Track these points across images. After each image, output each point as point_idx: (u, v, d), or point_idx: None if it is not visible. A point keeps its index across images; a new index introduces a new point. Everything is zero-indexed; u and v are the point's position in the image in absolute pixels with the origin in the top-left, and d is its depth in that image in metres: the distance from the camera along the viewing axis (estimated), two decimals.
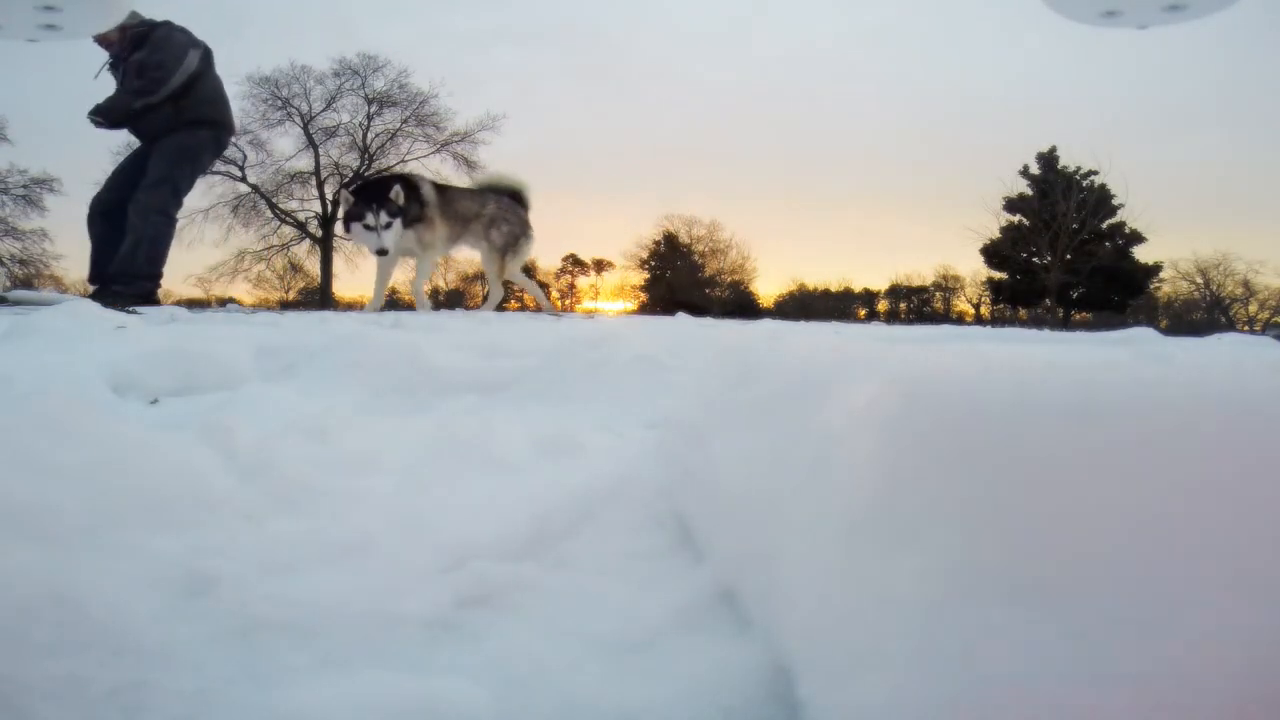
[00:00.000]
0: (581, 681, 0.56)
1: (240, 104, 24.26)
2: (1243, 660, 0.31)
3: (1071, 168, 27.73)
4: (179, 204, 5.07)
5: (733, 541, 0.67)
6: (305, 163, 25.39)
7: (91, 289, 4.81)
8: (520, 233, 6.08)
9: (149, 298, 4.80)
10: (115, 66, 4.92)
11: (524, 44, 49.80)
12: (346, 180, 6.26)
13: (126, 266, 4.79)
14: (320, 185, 25.00)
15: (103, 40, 4.81)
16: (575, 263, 37.85)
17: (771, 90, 51.84)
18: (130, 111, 4.83)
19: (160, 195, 4.87)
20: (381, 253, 5.40)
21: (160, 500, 0.78)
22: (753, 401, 0.72)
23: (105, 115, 4.81)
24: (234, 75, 23.88)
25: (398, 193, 5.50)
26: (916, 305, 36.83)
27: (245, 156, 24.43)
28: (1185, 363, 0.42)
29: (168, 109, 4.86)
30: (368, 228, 5.46)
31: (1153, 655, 0.32)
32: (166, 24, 4.97)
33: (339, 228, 6.22)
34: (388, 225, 5.50)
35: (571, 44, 50.86)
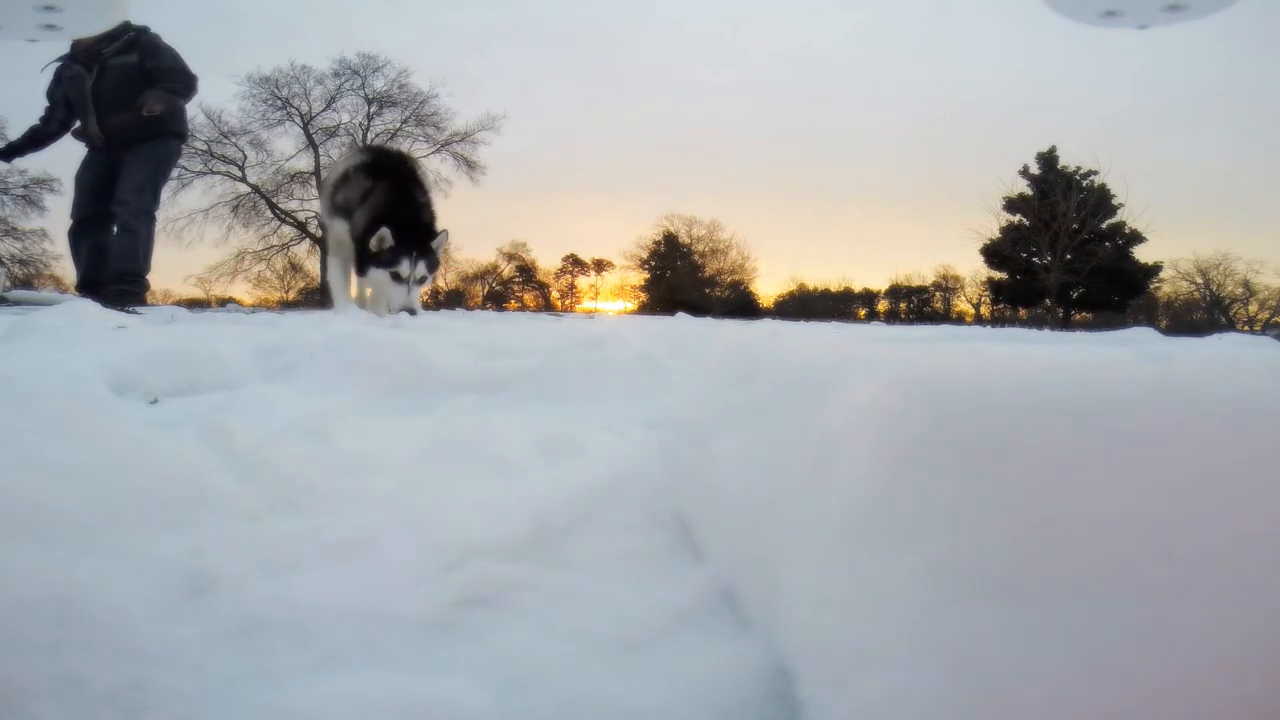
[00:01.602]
0: (581, 681, 0.56)
1: (240, 104, 24.33)
2: (1242, 660, 0.31)
3: (1071, 168, 27.76)
4: (158, 206, 5.19)
5: (733, 541, 0.67)
6: (305, 163, 25.42)
7: (83, 293, 4.83)
8: None
9: (143, 296, 4.87)
10: (83, 63, 4.94)
11: (524, 44, 49.85)
12: (357, 164, 4.59)
13: (130, 266, 4.86)
14: (320, 185, 24.98)
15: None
16: (575, 263, 37.89)
17: (771, 90, 51.89)
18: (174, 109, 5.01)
19: (147, 198, 4.98)
20: (408, 312, 4.14)
21: (160, 500, 0.78)
22: (753, 401, 0.72)
23: (166, 104, 4.92)
24: (233, 75, 23.91)
25: (443, 240, 4.48)
26: (916, 305, 36.84)
27: (245, 156, 24.50)
28: (1185, 363, 0.42)
29: (161, 118, 4.95)
30: (397, 279, 4.33)
31: (1152, 655, 0.32)
32: (148, 30, 5.07)
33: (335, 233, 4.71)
34: (421, 280, 4.40)
35: (571, 44, 50.91)
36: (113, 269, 4.86)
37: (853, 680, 0.41)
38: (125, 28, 4.94)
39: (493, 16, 48.66)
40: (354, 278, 4.63)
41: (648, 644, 0.62)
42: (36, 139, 5.23)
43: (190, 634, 0.59)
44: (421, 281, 4.40)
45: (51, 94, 5.13)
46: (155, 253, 5.10)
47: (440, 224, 4.58)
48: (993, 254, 29.03)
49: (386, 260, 4.30)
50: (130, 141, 4.96)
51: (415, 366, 1.79)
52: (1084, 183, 27.33)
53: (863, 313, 36.83)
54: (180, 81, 5.05)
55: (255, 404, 1.44)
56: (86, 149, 5.11)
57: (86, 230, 5.00)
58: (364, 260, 4.38)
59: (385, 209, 4.39)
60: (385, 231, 4.29)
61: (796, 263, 60.51)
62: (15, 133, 5.76)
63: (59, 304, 3.22)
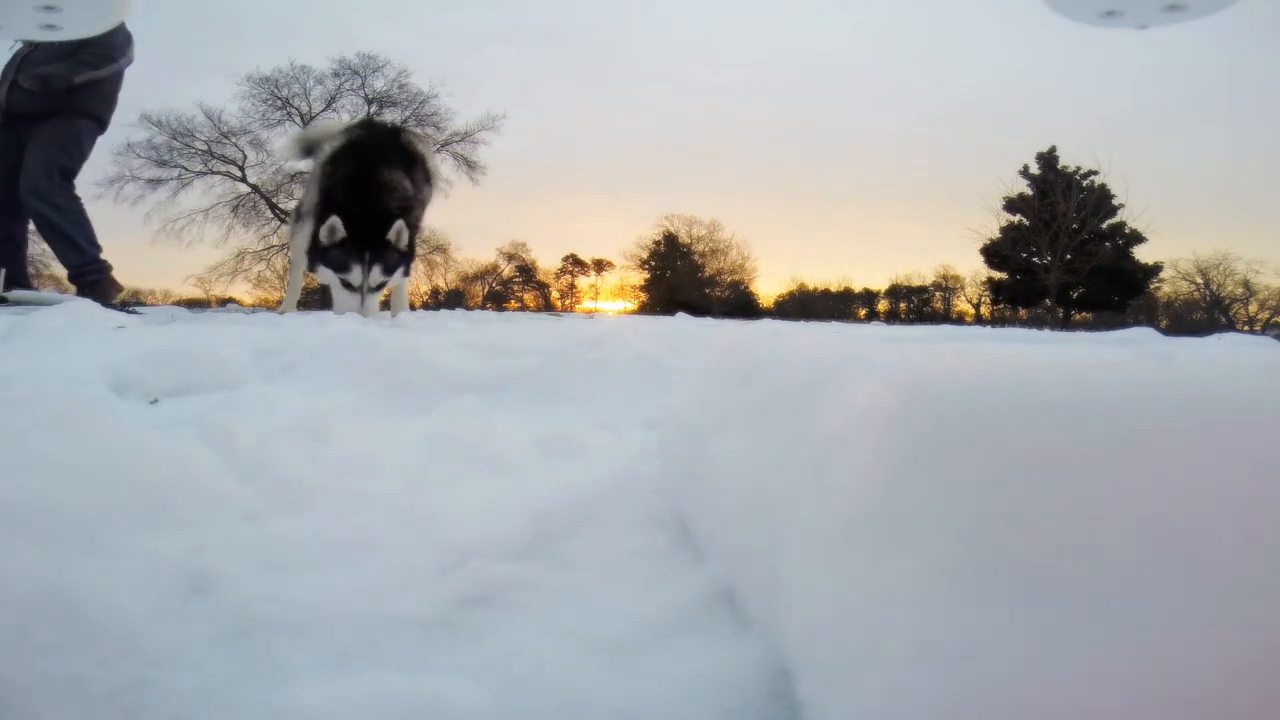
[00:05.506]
0: (581, 681, 0.56)
1: (240, 104, 24.28)
2: (1242, 660, 0.31)
3: (1071, 168, 27.76)
4: (73, 184, 4.85)
5: (733, 541, 0.67)
6: (305, 163, 25.40)
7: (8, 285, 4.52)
8: None
9: (109, 278, 4.69)
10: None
11: (524, 44, 49.87)
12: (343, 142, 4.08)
13: (74, 258, 4.66)
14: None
15: None
16: (575, 263, 37.89)
17: (771, 90, 51.91)
18: (70, 86, 4.53)
19: (55, 180, 4.66)
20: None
21: (160, 500, 0.78)
22: (753, 401, 0.72)
23: (46, 83, 4.49)
24: (233, 76, 23.89)
25: (400, 232, 3.76)
26: (916, 305, 36.84)
27: (245, 156, 24.44)
28: (1185, 363, 0.42)
29: (69, 93, 4.60)
30: (348, 287, 3.73)
31: (1152, 655, 0.32)
32: None
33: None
34: (379, 287, 3.76)
35: (571, 44, 50.94)
36: (69, 264, 4.66)
37: (853, 680, 0.41)
38: None
39: (492, 17, 48.70)
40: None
41: (648, 644, 0.62)
42: None
43: (190, 634, 0.59)
44: (377, 289, 3.81)
45: None
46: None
47: (432, 213, 3.97)
48: (993, 254, 29.04)
49: (336, 262, 3.69)
50: (31, 118, 4.55)
51: (415, 366, 1.79)
52: (1084, 183, 27.34)
53: (863, 313, 36.84)
54: (95, 53, 4.52)
55: (255, 404, 1.44)
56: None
57: None
58: (314, 253, 3.78)
59: (339, 190, 3.73)
60: (336, 221, 3.64)
61: (796, 263, 60.57)
62: None
63: (59, 304, 3.22)
